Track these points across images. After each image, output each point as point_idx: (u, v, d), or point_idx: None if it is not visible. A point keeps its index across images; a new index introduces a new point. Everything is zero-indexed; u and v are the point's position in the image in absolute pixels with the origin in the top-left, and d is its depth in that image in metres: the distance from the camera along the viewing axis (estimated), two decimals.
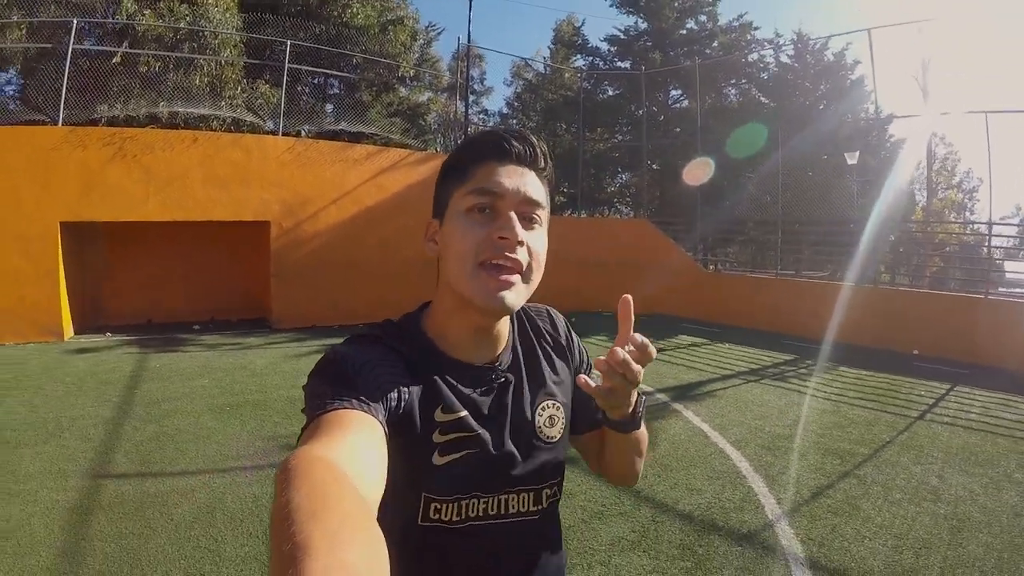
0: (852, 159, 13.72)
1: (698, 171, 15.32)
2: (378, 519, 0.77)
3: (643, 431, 1.03)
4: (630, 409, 0.96)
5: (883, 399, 6.92)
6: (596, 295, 12.94)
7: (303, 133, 12.25)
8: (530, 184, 0.90)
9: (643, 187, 19.56)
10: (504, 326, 0.99)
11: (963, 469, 4.73)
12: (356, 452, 0.67)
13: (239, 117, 12.06)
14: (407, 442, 0.85)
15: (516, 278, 0.87)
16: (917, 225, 17.29)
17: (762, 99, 19.83)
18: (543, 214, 0.93)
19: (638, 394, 0.97)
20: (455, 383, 0.92)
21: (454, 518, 0.90)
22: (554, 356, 1.07)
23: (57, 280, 9.51)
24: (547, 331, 1.09)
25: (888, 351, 9.66)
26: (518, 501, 0.96)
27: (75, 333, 9.94)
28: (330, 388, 0.77)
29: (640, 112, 19.16)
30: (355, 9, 15.44)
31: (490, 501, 0.93)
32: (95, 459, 4.55)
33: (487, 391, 0.95)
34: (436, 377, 0.91)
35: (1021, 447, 5.36)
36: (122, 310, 11.11)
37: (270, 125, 11.94)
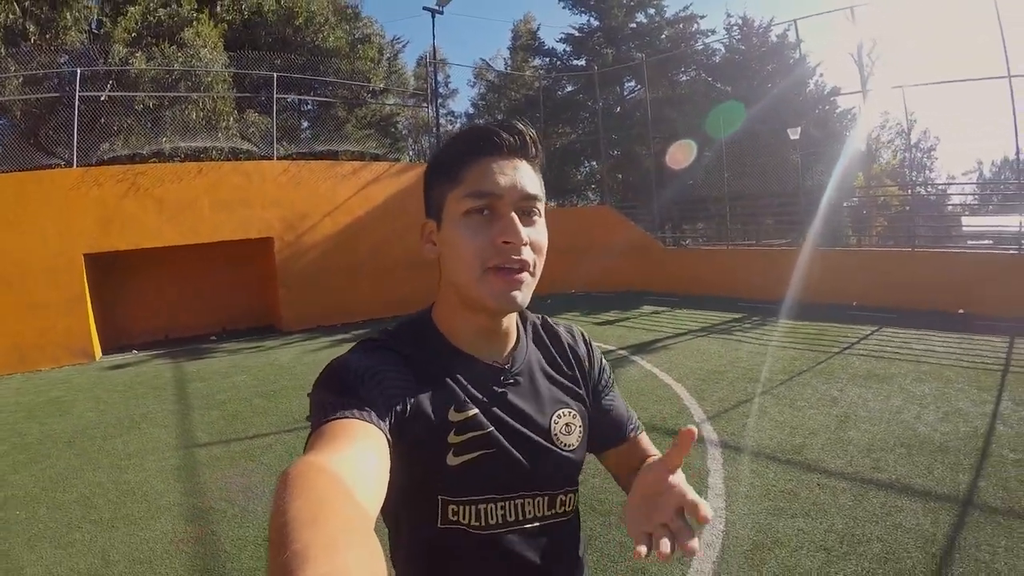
0: (795, 134, 14.52)
1: (680, 154, 16.67)
2: (397, 529, 0.89)
3: None
4: None
5: (811, 342, 8.23)
6: (566, 277, 14.56)
7: (282, 152, 13.31)
8: (525, 177, 0.89)
9: (604, 175, 20.90)
10: (512, 324, 1.00)
11: (863, 384, 6.02)
12: (356, 461, 0.67)
13: (236, 146, 13.19)
14: (420, 446, 0.85)
15: (524, 276, 0.88)
16: (861, 190, 18.76)
17: (714, 83, 21.11)
18: (541, 206, 0.92)
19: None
20: (467, 382, 0.93)
21: (473, 522, 0.90)
22: (573, 368, 1.07)
23: (85, 307, 10.49)
24: (568, 344, 1.09)
25: (829, 304, 10.76)
26: (534, 505, 0.95)
27: (103, 354, 10.88)
28: (333, 398, 0.79)
29: (597, 106, 20.48)
30: (326, 33, 16.63)
31: (507, 505, 0.93)
32: (179, 437, 5.75)
33: (499, 390, 0.95)
34: (448, 377, 0.92)
35: (920, 368, 6.57)
36: (141, 329, 12.11)
37: (261, 150, 13.01)
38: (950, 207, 17.34)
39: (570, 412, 1.02)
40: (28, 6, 13.05)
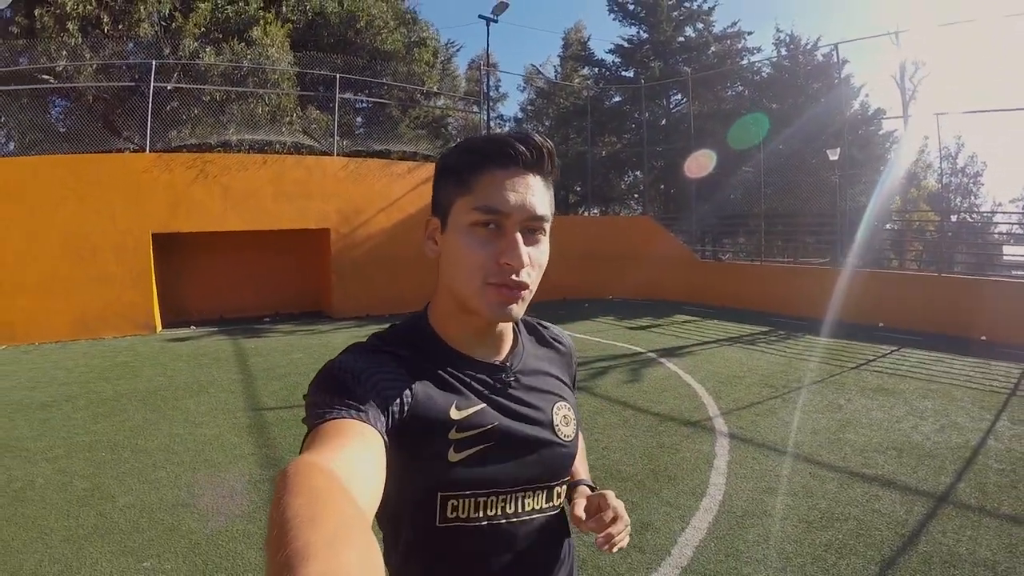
0: (834, 155, 14.60)
1: (698, 164, 16.97)
2: (394, 527, 0.93)
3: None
4: None
5: (831, 357, 8.61)
6: (605, 283, 15.33)
7: (341, 148, 14.05)
8: (536, 196, 0.89)
9: (647, 186, 21.39)
10: (508, 326, 1.02)
11: (870, 397, 6.44)
12: (353, 461, 0.68)
13: (298, 140, 14.04)
14: (419, 444, 0.87)
15: (523, 292, 0.89)
16: (898, 214, 18.91)
17: (759, 100, 21.37)
18: (547, 225, 0.93)
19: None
20: (469, 379, 0.95)
21: (472, 515, 0.91)
22: (564, 365, 1.13)
23: (150, 283, 11.28)
24: (557, 341, 1.15)
25: (856, 324, 10.96)
26: (533, 498, 0.98)
27: (163, 327, 11.67)
28: (328, 399, 0.80)
29: (642, 117, 20.95)
30: (384, 36, 17.42)
31: (508, 499, 0.94)
32: (247, 400, 6.45)
33: (501, 387, 0.97)
34: (447, 375, 0.93)
35: (929, 386, 6.90)
36: (198, 307, 12.90)
37: (322, 145, 13.81)
38: (996, 235, 17.41)
39: (566, 405, 1.06)
40: None
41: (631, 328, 11.40)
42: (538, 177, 0.91)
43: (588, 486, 1.13)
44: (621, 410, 6.06)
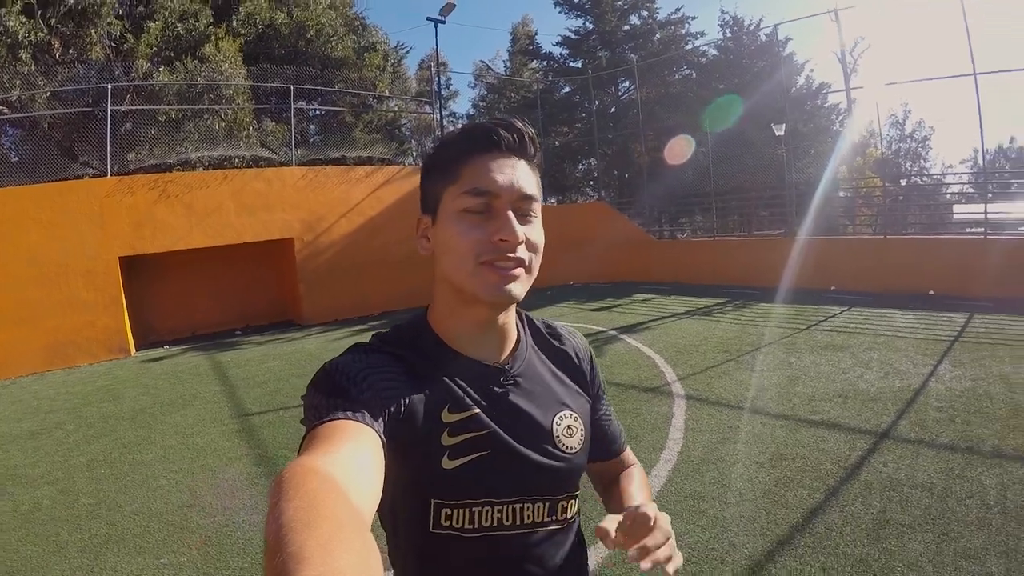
0: (779, 131, 15.05)
1: (678, 149, 17.60)
2: (393, 531, 0.91)
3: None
4: None
5: (783, 321, 9.11)
6: (566, 270, 15.77)
7: (298, 158, 14.26)
8: (523, 177, 0.89)
9: (601, 173, 21.91)
10: (511, 323, 0.99)
11: (819, 353, 6.90)
12: (350, 463, 0.68)
13: (256, 154, 14.19)
14: (412, 447, 0.85)
15: (520, 271, 0.88)
16: (844, 182, 19.63)
17: (705, 82, 21.97)
18: (538, 206, 0.91)
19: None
20: (464, 382, 0.92)
21: (466, 525, 0.89)
22: (575, 372, 1.08)
23: (121, 306, 11.33)
24: (571, 347, 1.10)
25: (809, 290, 11.44)
26: (533, 511, 0.94)
27: (136, 349, 11.69)
28: (326, 400, 0.79)
29: (591, 107, 21.41)
30: (334, 43, 17.61)
31: (504, 509, 0.92)
32: (232, 409, 6.68)
33: (499, 391, 0.94)
34: (444, 377, 0.91)
35: (876, 340, 7.40)
36: (169, 326, 12.99)
37: (280, 156, 14.00)
38: (948, 195, 18.08)
39: (572, 415, 1.01)
40: (54, 23, 13.88)
41: (592, 310, 11.81)
42: (523, 160, 0.91)
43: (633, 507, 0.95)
44: None
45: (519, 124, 0.91)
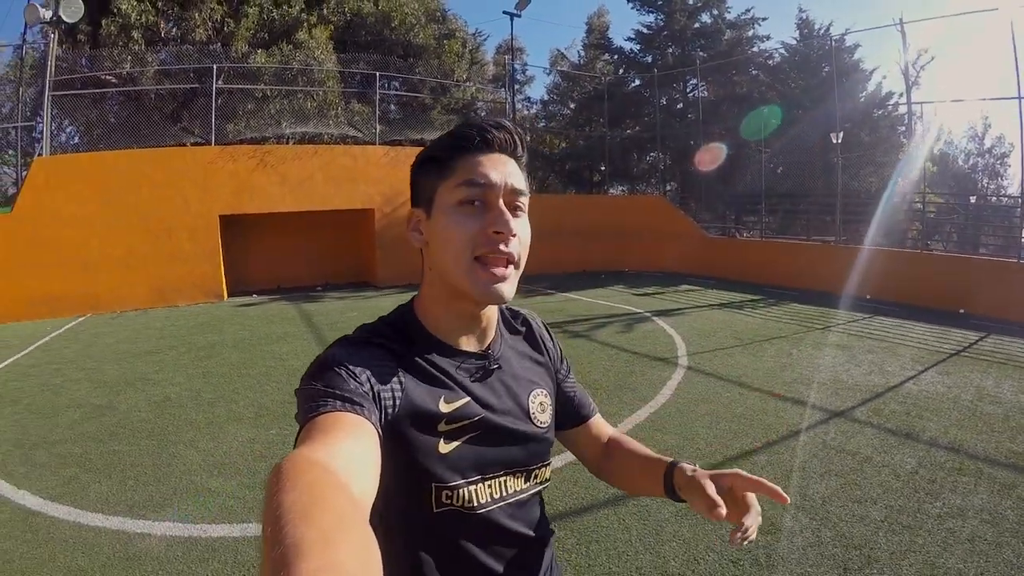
0: (836, 139, 15.51)
1: (708, 156, 18.24)
2: (385, 518, 0.91)
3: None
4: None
5: (804, 321, 9.86)
6: (622, 257, 17.17)
7: (381, 137, 15.69)
8: (513, 174, 0.93)
9: (662, 168, 22.86)
10: (493, 314, 1.04)
11: (820, 349, 7.72)
12: (348, 454, 0.69)
13: (344, 132, 15.76)
14: (410, 437, 0.88)
15: (510, 269, 0.91)
16: (899, 195, 19.71)
17: (772, 84, 22.41)
18: (526, 201, 0.96)
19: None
20: (453, 372, 0.96)
21: (466, 503, 0.93)
22: (540, 352, 1.15)
23: (218, 258, 13.08)
24: (534, 329, 1.17)
25: (844, 296, 11.70)
26: (515, 481, 1.01)
27: (229, 296, 13.41)
28: (322, 391, 0.80)
29: (662, 101, 22.13)
30: (416, 32, 19.04)
31: (494, 484, 0.98)
32: (320, 344, 8.00)
33: (484, 378, 1.00)
34: (434, 367, 0.95)
35: (881, 345, 8.00)
36: (257, 278, 14.70)
37: (365, 135, 15.53)
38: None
39: (543, 391, 1.09)
40: (161, 6, 15.75)
41: (636, 295, 12.87)
42: (513, 161, 0.95)
43: (690, 466, 1.04)
44: (608, 350, 7.76)
45: (510, 126, 0.96)
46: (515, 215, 0.93)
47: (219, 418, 5.37)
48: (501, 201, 0.91)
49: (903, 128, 21.61)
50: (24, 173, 11.94)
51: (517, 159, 0.97)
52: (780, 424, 5.03)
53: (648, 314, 10.37)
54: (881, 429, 4.88)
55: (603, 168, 22.54)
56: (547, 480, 1.08)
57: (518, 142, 0.96)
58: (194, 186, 12.80)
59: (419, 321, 1.00)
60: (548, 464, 1.09)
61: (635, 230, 17.15)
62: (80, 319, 11.16)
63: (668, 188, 23.69)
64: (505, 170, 0.93)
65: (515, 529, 1.00)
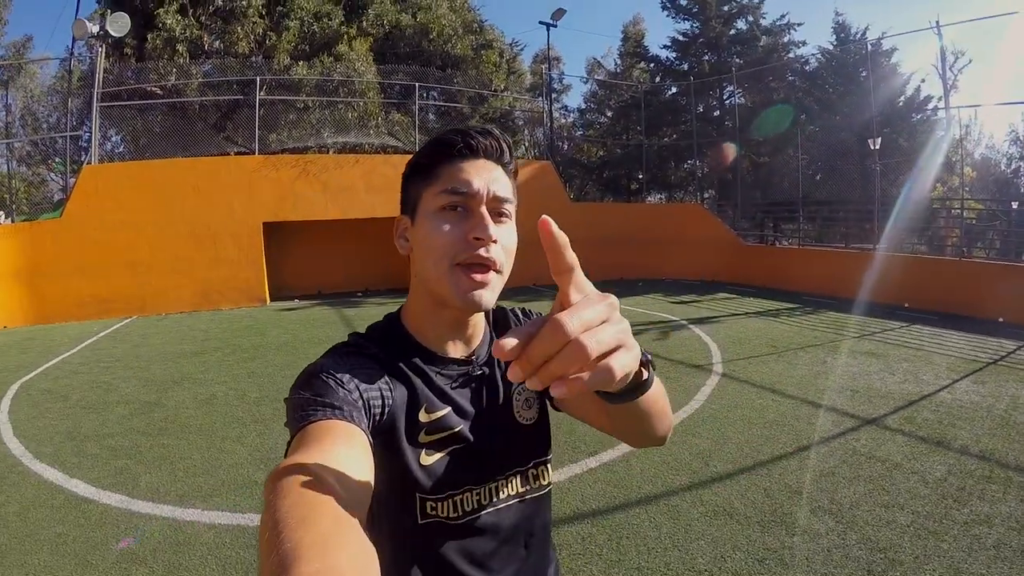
0: (874, 144, 15.10)
1: (723, 154, 18.48)
2: (375, 526, 0.91)
3: (655, 389, 0.83)
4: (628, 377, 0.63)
5: (840, 329, 9.79)
6: (659, 264, 17.25)
7: (416, 148, 16.06)
8: (498, 180, 0.92)
9: (703, 175, 22.75)
10: (480, 319, 1.04)
11: (856, 358, 7.72)
12: (341, 462, 0.69)
13: (384, 142, 16.16)
14: (395, 447, 0.89)
15: (491, 275, 0.90)
16: (938, 201, 19.38)
17: (810, 89, 22.31)
18: (511, 208, 0.94)
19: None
20: (436, 381, 0.96)
21: (451, 514, 0.93)
22: None
23: (262, 263, 13.50)
24: (512, 322, 1.13)
25: (881, 304, 11.63)
26: (508, 486, 1.00)
27: (271, 300, 13.85)
28: (312, 400, 0.80)
29: (699, 109, 22.13)
30: (454, 43, 19.39)
31: (482, 491, 0.97)
32: None
33: (466, 385, 0.99)
34: (418, 378, 0.95)
35: (916, 353, 7.88)
36: (299, 284, 15.16)
37: (405, 145, 15.92)
38: None
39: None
40: (205, 21, 16.31)
41: (672, 302, 12.96)
42: (499, 167, 0.94)
43: None
44: None
45: (496, 133, 0.95)
46: (499, 222, 0.92)
47: (264, 416, 5.63)
48: (483, 208, 0.90)
49: (942, 133, 21.35)
50: (72, 180, 12.51)
51: (504, 165, 0.95)
52: (811, 430, 5.09)
53: (684, 322, 10.46)
54: (912, 437, 4.90)
55: (640, 176, 22.60)
56: (547, 485, 1.07)
57: (504, 148, 0.95)
58: (239, 194, 13.25)
59: (405, 329, 1.00)
60: (545, 463, 1.08)
61: (672, 238, 17.17)
62: (127, 320, 11.64)
63: (706, 196, 23.65)
64: (489, 176, 0.91)
65: (510, 534, 1.00)
